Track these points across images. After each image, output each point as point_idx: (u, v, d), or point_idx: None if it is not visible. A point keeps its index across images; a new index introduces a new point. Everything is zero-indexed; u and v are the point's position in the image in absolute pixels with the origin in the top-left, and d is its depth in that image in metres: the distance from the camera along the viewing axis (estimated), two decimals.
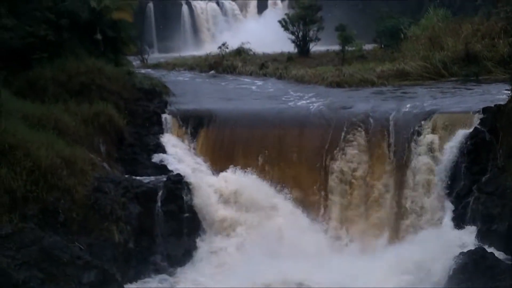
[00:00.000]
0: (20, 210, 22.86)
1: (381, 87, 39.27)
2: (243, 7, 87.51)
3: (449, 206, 26.54)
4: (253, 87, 42.94)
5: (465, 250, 23.45)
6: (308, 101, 35.39)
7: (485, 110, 27.65)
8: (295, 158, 30.67)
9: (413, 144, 28.40)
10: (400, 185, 28.34)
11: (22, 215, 22.77)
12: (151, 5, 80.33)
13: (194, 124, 32.66)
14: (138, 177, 28.57)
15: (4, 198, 22.61)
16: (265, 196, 29.33)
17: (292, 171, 30.47)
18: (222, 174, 29.98)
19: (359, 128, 29.93)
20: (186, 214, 27.97)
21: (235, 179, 29.62)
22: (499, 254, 23.26)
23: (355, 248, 27.97)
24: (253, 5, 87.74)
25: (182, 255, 27.28)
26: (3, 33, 30.95)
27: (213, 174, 30.35)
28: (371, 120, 30.12)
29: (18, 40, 31.42)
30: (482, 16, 50.34)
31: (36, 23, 32.43)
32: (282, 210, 29.10)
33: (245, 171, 29.75)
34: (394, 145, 29.01)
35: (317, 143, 30.41)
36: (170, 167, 30.16)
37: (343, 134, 30.06)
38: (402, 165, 28.46)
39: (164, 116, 33.10)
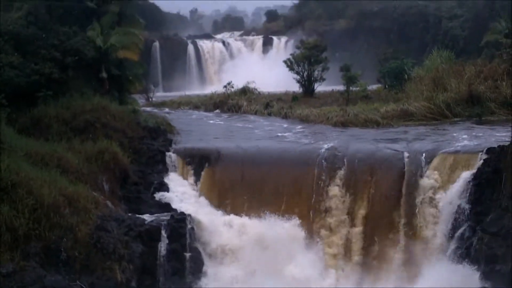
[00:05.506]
0: (22, 249, 22.79)
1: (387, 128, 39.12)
2: (249, 47, 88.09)
3: (452, 246, 26.47)
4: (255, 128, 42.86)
5: None
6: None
7: (488, 150, 27.65)
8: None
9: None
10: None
11: (24, 254, 22.69)
12: (157, 44, 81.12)
13: (199, 163, 32.56)
14: (141, 216, 28.47)
15: (6, 236, 22.55)
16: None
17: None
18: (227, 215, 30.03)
19: None
20: (189, 253, 27.78)
21: (239, 219, 29.56)
22: None
23: None
24: (258, 45, 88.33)
25: None
26: (8, 71, 31.15)
27: (217, 213, 30.19)
28: None
29: (23, 77, 31.61)
30: (485, 58, 50.84)
31: (41, 61, 32.72)
32: None
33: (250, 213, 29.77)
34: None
35: None
36: (174, 206, 30.07)
37: None
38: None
39: (168, 154, 33.10)
